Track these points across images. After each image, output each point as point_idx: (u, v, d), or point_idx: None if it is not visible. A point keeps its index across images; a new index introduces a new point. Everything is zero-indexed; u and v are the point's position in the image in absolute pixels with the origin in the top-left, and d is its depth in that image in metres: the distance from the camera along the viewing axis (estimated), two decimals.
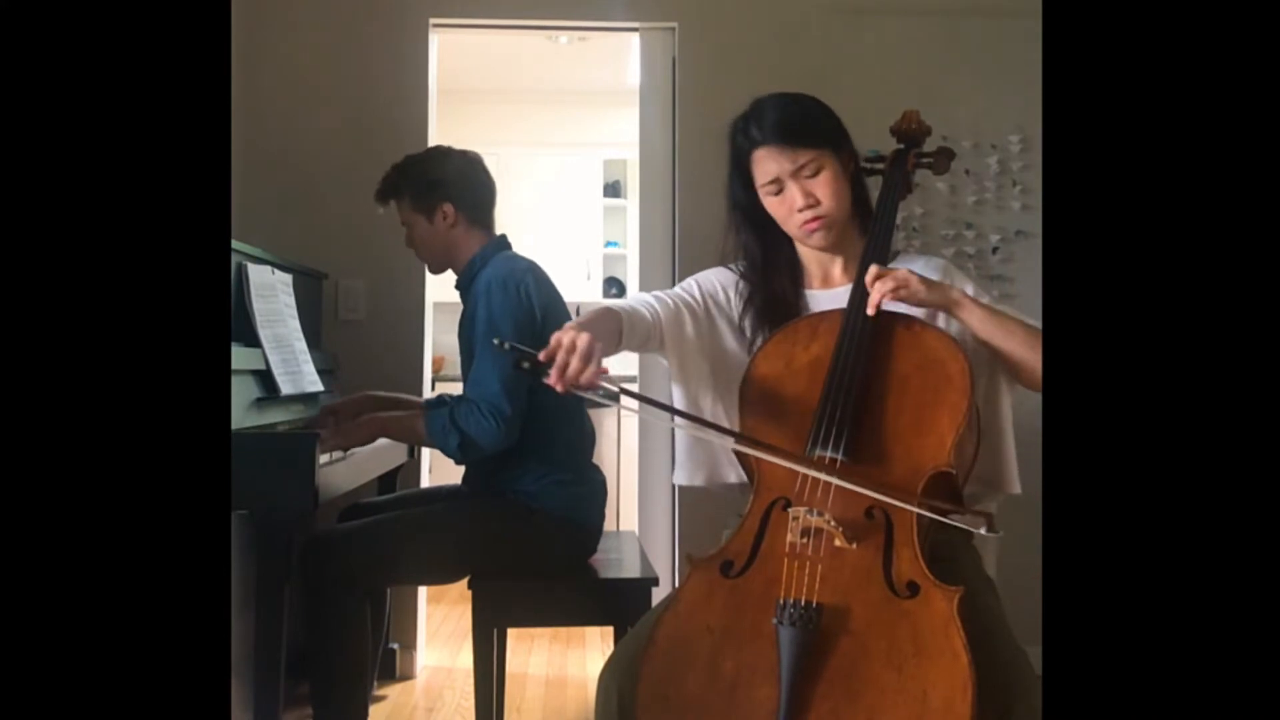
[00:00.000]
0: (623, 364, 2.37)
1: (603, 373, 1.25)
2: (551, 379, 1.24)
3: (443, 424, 1.98)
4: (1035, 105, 1.53)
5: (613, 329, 1.45)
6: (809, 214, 1.49)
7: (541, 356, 1.24)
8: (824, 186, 1.48)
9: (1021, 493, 1.49)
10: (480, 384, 1.99)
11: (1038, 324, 1.41)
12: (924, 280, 1.38)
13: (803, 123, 1.50)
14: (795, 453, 1.32)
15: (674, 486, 2.96)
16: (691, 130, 2.97)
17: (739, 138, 1.54)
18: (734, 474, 1.54)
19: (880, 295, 1.36)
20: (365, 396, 2.32)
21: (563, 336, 1.25)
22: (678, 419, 1.46)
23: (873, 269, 1.38)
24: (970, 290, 1.51)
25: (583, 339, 1.24)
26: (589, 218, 5.11)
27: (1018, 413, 1.51)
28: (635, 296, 1.58)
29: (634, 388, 4.23)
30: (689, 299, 1.59)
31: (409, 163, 2.24)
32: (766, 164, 1.49)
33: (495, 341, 1.33)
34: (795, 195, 1.48)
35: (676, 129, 2.99)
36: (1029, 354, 1.37)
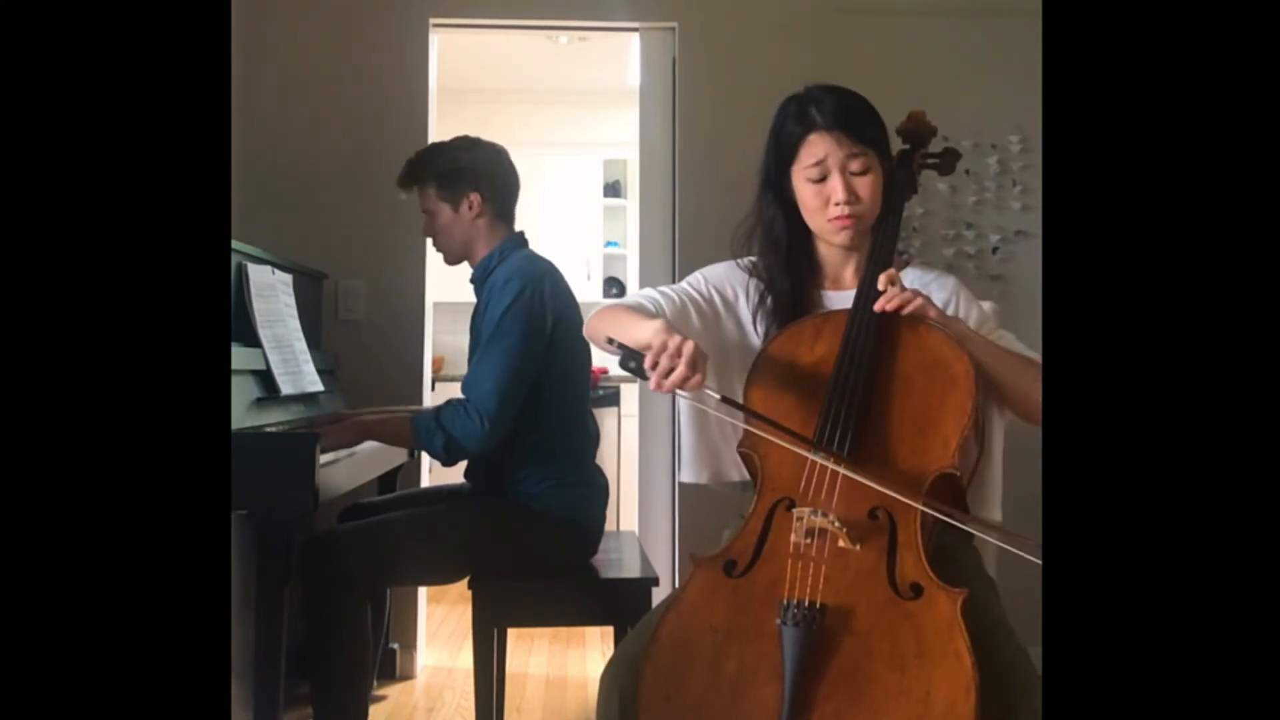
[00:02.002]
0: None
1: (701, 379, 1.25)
2: (652, 383, 1.24)
3: (428, 425, 1.98)
4: (1035, 105, 1.52)
5: None
6: (846, 209, 1.46)
7: (647, 362, 1.25)
8: (868, 187, 1.46)
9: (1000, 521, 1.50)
10: (474, 382, 1.99)
11: (1035, 355, 1.42)
12: (937, 309, 1.39)
13: (865, 117, 1.48)
14: (800, 455, 1.32)
15: (674, 487, 2.96)
16: (691, 130, 2.97)
17: (790, 122, 1.49)
18: (737, 472, 1.54)
19: (899, 302, 1.36)
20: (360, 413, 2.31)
21: (667, 340, 1.25)
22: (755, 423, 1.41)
23: (888, 274, 1.39)
24: (975, 314, 1.52)
25: (688, 345, 1.24)
26: (589, 218, 5.11)
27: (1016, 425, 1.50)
28: (640, 292, 1.55)
29: (632, 386, 4.24)
30: (695, 294, 1.56)
31: (437, 149, 2.21)
32: (818, 147, 1.46)
33: (607, 340, 1.35)
34: (837, 187, 1.46)
35: (676, 129, 2.99)
36: (1026, 386, 1.38)
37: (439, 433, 1.96)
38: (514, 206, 2.23)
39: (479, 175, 2.15)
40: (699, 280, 1.59)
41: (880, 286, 1.39)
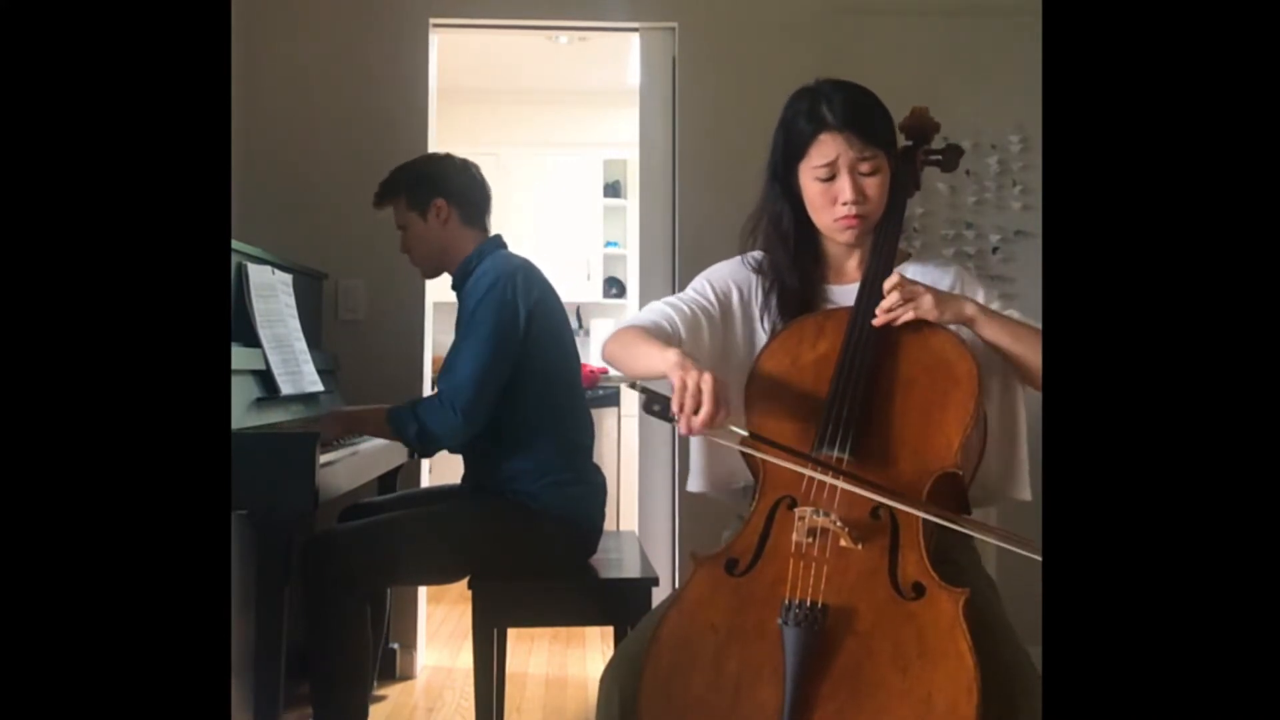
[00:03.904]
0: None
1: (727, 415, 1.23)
2: (681, 426, 1.23)
3: (403, 414, 2.02)
4: (1035, 105, 1.52)
5: None
6: (853, 209, 1.45)
7: (674, 406, 1.23)
8: (876, 187, 1.45)
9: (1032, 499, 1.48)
10: (446, 376, 2.03)
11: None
12: (937, 296, 1.37)
13: (876, 117, 1.46)
14: (801, 452, 1.31)
15: (674, 487, 2.96)
16: (691, 130, 2.97)
17: (801, 120, 1.47)
18: (742, 479, 1.53)
19: (893, 315, 1.35)
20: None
21: (685, 377, 1.23)
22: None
23: (893, 278, 1.38)
24: (981, 296, 1.50)
25: (707, 380, 1.22)
26: (589, 218, 5.11)
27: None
28: (652, 308, 1.52)
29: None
30: (705, 303, 1.54)
31: (404, 164, 2.28)
32: (828, 148, 1.44)
33: (628, 384, 1.34)
34: (845, 187, 1.44)
35: (676, 129, 2.99)
36: (1037, 358, 1.37)
37: (413, 421, 2.00)
38: (485, 215, 2.27)
39: (443, 182, 2.20)
40: (705, 285, 1.57)
41: (885, 290, 1.38)
